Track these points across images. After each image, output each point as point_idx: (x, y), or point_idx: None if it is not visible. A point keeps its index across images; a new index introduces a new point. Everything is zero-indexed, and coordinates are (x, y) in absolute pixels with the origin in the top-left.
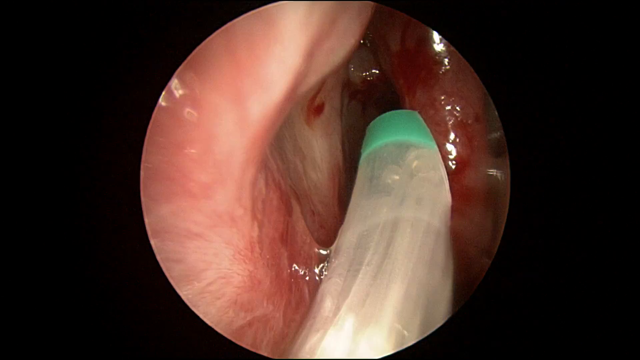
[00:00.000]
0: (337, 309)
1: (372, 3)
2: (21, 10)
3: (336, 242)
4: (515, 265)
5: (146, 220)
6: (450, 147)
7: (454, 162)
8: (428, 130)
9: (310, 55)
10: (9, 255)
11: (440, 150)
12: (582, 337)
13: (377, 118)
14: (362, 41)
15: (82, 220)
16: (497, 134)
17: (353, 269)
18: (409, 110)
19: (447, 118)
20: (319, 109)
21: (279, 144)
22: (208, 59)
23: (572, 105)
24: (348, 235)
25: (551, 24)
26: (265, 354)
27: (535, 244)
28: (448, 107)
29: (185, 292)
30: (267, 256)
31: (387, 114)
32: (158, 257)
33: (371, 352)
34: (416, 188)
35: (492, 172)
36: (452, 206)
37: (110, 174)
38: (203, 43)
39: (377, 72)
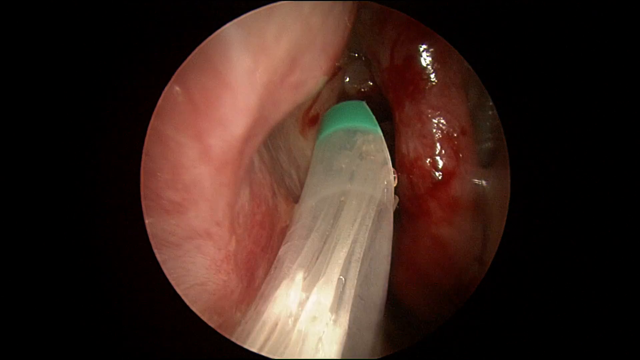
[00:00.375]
0: (290, 266)
1: (341, 40)
2: (21, 11)
3: (293, 214)
4: (510, 274)
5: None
6: (436, 158)
7: (440, 173)
8: (373, 117)
9: (269, 94)
10: (8, 255)
11: (426, 162)
12: (577, 344)
13: (330, 109)
14: (357, 54)
15: (78, 217)
16: (486, 146)
17: (305, 235)
18: (357, 101)
19: (434, 131)
20: (313, 120)
21: (273, 155)
22: (168, 101)
23: (575, 114)
24: (302, 208)
25: (555, 27)
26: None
27: (533, 252)
28: (434, 120)
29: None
30: (242, 268)
31: (338, 104)
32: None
33: (321, 301)
34: (362, 168)
35: (480, 182)
36: (440, 215)
37: (109, 174)
38: (166, 89)
39: (372, 84)
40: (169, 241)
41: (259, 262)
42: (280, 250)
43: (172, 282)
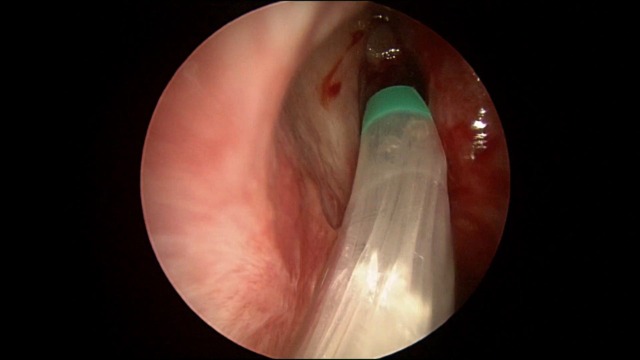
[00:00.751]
0: (362, 245)
1: None
2: (21, 10)
3: (350, 200)
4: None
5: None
6: (479, 124)
7: (483, 142)
8: (424, 102)
9: None
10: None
11: (467, 130)
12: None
13: (377, 93)
14: (380, 16)
15: (78, 214)
16: None
17: (369, 216)
18: (405, 86)
19: (479, 91)
20: (334, 89)
21: (291, 122)
22: None
23: (573, 102)
24: (360, 192)
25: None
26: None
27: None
28: (479, 79)
29: (190, 295)
30: (283, 247)
31: (386, 89)
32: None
33: (401, 279)
34: (416, 153)
35: None
36: (481, 192)
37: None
38: None
39: (398, 50)
40: (196, 214)
41: (295, 240)
42: (348, 230)
43: (200, 275)
